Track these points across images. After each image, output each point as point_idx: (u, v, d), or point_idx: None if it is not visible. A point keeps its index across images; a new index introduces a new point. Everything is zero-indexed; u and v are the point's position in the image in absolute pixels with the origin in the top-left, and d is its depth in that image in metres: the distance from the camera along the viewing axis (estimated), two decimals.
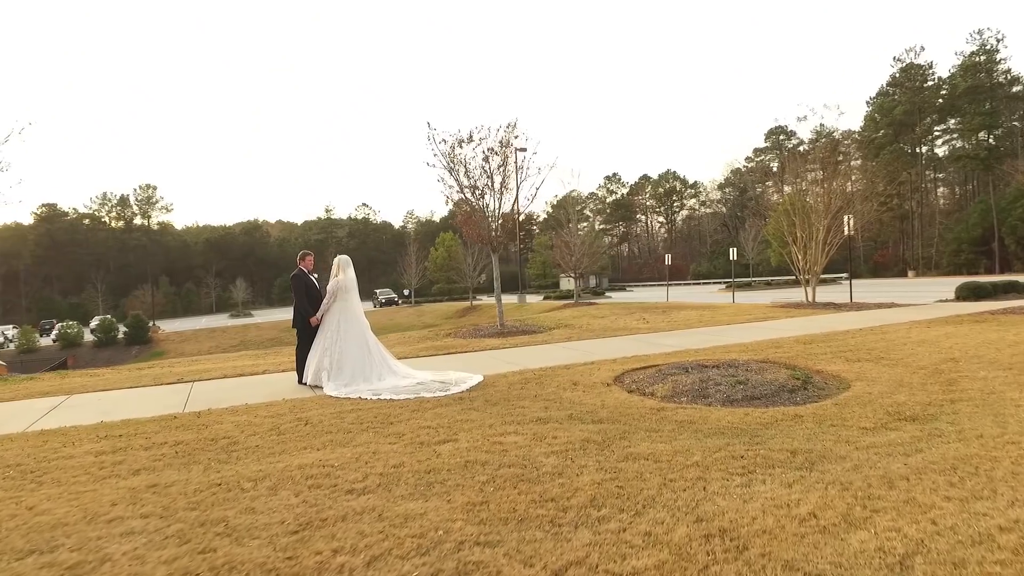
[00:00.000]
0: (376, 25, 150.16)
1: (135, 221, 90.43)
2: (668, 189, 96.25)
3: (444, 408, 5.84)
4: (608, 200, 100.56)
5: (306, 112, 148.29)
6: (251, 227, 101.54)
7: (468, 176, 12.90)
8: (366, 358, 7.51)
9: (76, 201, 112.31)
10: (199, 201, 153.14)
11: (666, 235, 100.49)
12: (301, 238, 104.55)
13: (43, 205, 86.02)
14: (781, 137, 78.68)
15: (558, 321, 15.73)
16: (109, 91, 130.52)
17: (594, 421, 5.07)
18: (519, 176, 13.54)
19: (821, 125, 32.42)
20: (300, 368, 7.77)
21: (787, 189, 23.63)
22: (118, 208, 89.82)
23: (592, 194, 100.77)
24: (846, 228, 16.37)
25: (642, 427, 4.83)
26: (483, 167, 12.89)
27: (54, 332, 46.83)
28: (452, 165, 12.78)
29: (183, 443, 4.89)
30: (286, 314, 63.12)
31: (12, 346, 43.44)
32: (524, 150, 14.01)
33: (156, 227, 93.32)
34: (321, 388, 7.13)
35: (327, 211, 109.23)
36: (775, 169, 55.34)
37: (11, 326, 54.98)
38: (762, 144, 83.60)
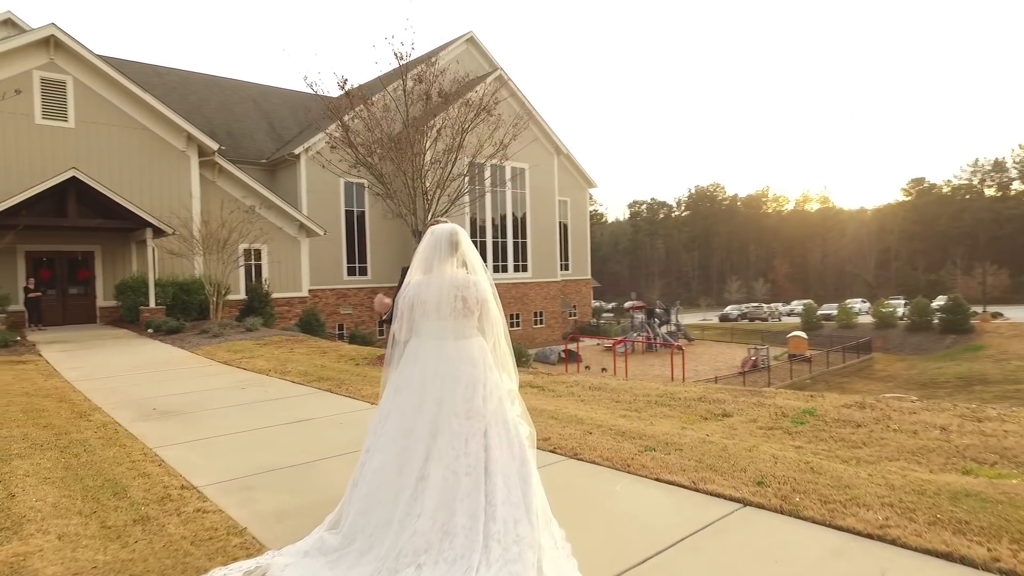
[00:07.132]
0: None
1: (1012, 187, 77.75)
2: None
3: None
4: None
5: None
6: None
7: None
8: (409, 489, 2.48)
9: (947, 173, 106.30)
10: None
11: None
12: None
13: (912, 180, 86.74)
14: None
15: None
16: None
17: None
18: None
19: None
20: None
21: None
22: (992, 174, 79.55)
23: None
24: None
25: None
26: None
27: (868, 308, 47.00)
28: None
29: None
30: None
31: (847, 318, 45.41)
32: None
33: None
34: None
35: None
36: None
37: (859, 300, 59.16)
38: None
